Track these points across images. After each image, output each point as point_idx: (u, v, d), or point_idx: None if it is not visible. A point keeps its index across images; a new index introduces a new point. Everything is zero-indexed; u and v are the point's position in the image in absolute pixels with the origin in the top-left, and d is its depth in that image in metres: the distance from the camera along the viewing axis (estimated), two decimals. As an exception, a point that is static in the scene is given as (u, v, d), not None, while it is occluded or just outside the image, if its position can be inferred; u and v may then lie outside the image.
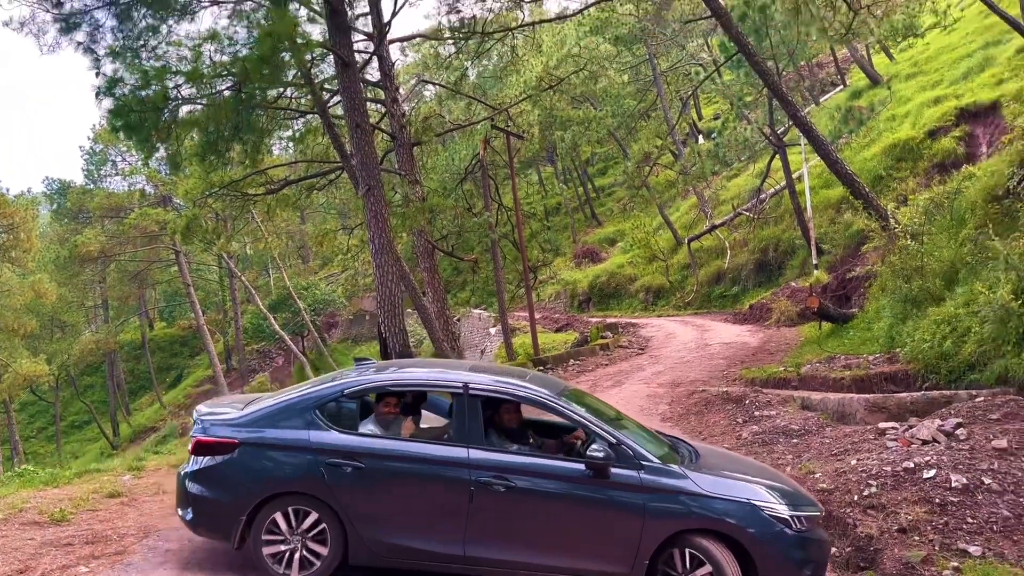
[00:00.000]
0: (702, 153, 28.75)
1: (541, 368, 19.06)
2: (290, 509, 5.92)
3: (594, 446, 5.82)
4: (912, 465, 7.32)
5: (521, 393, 6.22)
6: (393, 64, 20.69)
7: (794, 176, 25.49)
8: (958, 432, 8.14)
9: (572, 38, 27.71)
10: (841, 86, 38.23)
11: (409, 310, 21.98)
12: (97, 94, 12.07)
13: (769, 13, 20.32)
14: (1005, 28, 22.35)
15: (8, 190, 52.55)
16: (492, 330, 31.27)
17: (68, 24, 12.39)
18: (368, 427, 6.29)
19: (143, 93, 11.83)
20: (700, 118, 50.74)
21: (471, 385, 6.10)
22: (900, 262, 13.40)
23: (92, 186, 52.44)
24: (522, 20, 21.70)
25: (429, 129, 21.07)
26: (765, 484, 5.95)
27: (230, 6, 13.92)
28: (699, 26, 37.13)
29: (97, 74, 12.49)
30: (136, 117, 11.84)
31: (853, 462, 7.87)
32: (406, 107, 23.29)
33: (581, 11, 30.12)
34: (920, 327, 11.52)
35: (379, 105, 21.74)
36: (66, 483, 9.19)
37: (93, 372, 59.01)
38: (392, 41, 21.57)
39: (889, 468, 7.37)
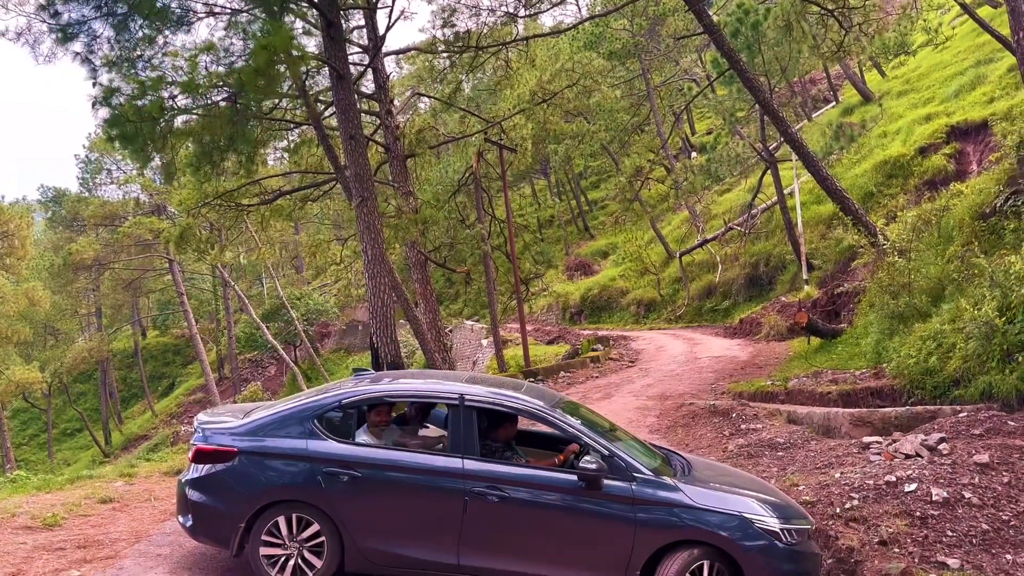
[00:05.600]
0: (694, 168, 28.95)
1: (532, 380, 19.15)
2: (294, 516, 5.96)
3: (587, 458, 5.84)
4: (894, 479, 7.42)
5: (516, 405, 6.26)
6: (388, 77, 20.86)
7: (785, 192, 25.72)
8: (941, 447, 8.25)
9: (566, 52, 27.95)
10: (833, 102, 38.60)
11: (401, 321, 22.07)
12: (93, 104, 12.18)
13: (761, 30, 20.60)
14: (997, 46, 22.57)
15: (3, 197, 52.51)
16: (484, 342, 31.33)
17: (65, 34, 12.46)
18: (363, 437, 6.36)
19: (139, 103, 11.92)
20: (693, 133, 51.12)
21: (467, 396, 6.14)
22: (888, 278, 13.53)
23: (87, 194, 52.46)
24: (516, 35, 21.85)
25: (423, 141, 21.23)
26: (756, 497, 6.03)
27: (226, 18, 14.04)
28: (692, 42, 37.44)
29: (94, 84, 12.57)
30: (132, 127, 11.93)
31: (836, 475, 7.97)
32: (400, 119, 23.46)
33: (575, 26, 30.49)
34: (906, 343, 11.64)
35: (374, 117, 21.89)
36: (58, 489, 9.23)
37: (86, 380, 58.91)
38: (387, 54, 21.76)
39: (871, 482, 7.46)
